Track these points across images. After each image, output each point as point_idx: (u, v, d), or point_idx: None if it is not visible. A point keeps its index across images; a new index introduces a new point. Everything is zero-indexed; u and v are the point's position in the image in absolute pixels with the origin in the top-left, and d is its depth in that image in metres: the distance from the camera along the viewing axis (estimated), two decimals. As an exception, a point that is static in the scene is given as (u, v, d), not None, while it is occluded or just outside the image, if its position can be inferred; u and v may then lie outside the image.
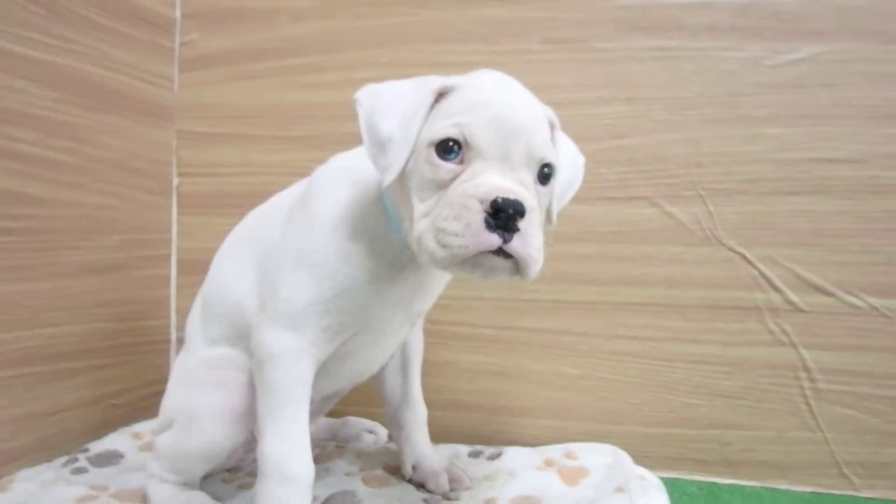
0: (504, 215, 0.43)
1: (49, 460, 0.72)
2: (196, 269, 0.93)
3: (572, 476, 0.68)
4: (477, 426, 0.85)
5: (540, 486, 0.66)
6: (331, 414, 0.85)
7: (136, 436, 0.80)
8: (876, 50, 0.73)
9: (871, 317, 0.73)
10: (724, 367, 0.77)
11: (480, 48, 0.85)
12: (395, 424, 0.70)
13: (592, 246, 0.81)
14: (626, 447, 0.74)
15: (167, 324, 0.97)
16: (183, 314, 0.95)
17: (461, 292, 0.85)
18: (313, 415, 0.78)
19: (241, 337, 0.59)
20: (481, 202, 0.44)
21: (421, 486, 0.68)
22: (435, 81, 0.49)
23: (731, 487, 0.75)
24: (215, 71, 0.95)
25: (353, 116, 0.83)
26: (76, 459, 0.72)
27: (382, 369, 0.69)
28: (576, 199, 0.79)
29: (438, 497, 0.65)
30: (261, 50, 0.93)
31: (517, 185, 0.46)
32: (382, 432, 0.84)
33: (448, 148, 0.46)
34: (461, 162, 0.46)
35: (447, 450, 0.77)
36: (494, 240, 0.43)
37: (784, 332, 0.75)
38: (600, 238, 0.81)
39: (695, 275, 0.78)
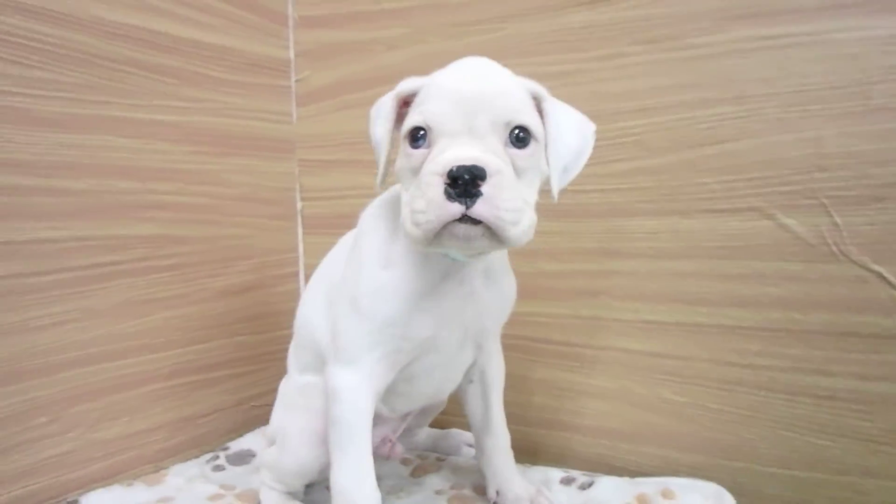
0: (462, 182, 0.46)
1: (197, 457, 0.89)
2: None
3: (661, 517, 0.66)
4: (577, 448, 0.86)
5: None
6: (437, 423, 0.92)
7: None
8: None
9: None
10: (859, 405, 0.69)
11: (569, 57, 0.84)
12: (478, 448, 0.75)
13: (697, 263, 0.77)
14: (738, 486, 0.71)
15: (301, 335, 1.12)
16: (314, 327, 1.09)
17: (558, 310, 0.86)
18: (412, 427, 0.86)
19: (322, 367, 0.67)
20: (440, 175, 0.47)
21: None
22: (401, 85, 0.56)
23: (870, 544, 0.67)
24: (325, 103, 1.07)
25: None
26: (217, 457, 0.88)
27: (464, 394, 0.74)
28: (676, 212, 0.77)
29: None
30: (361, 80, 1.02)
31: (482, 153, 0.48)
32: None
33: (416, 136, 0.51)
34: (429, 146, 0.51)
35: (539, 473, 0.79)
36: (455, 208, 0.46)
37: (938, 365, 0.65)
38: (705, 254, 0.77)
39: (818, 296, 0.70)
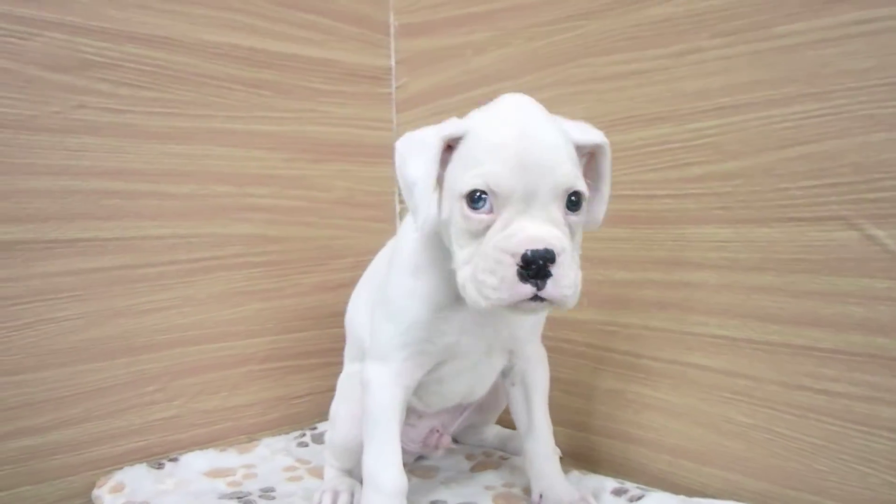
0: (535, 266, 0.50)
1: (287, 433, 1.02)
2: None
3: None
4: (638, 461, 0.86)
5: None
6: (509, 423, 0.96)
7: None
8: None
9: None
10: (952, 445, 0.62)
11: (645, 54, 0.84)
12: (523, 451, 0.79)
13: (772, 276, 0.74)
14: None
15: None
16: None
17: (627, 320, 0.87)
18: (476, 424, 0.94)
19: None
20: (513, 256, 0.51)
21: None
22: (447, 128, 0.57)
23: None
24: (421, 108, 1.15)
25: None
26: (304, 435, 1.01)
27: (508, 397, 0.79)
28: (752, 220, 0.75)
29: None
30: (453, 84, 1.08)
31: (547, 225, 0.52)
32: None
33: (476, 198, 0.54)
34: (491, 210, 0.54)
35: (594, 482, 0.81)
36: (528, 290, 0.51)
37: None
38: (782, 267, 0.73)
39: (907, 319, 0.64)
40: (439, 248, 0.64)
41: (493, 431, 0.98)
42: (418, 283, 0.64)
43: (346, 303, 1.13)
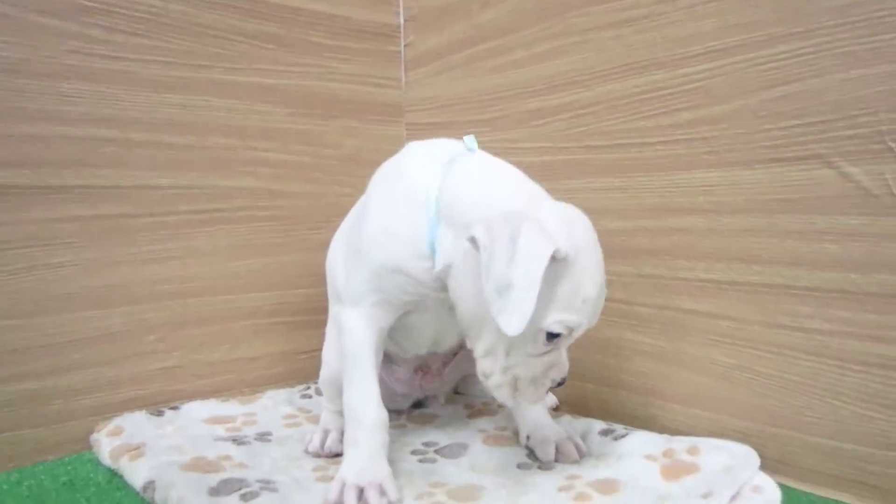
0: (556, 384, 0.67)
1: (292, 386, 1.08)
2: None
3: (675, 471, 0.70)
4: (629, 405, 0.90)
5: (633, 474, 0.70)
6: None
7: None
8: None
9: None
10: (920, 376, 0.65)
11: (640, 1, 0.86)
12: None
13: (755, 218, 0.77)
14: (784, 456, 0.72)
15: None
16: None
17: (621, 268, 0.90)
18: (446, 368, 0.96)
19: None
20: (553, 380, 0.67)
21: (533, 453, 0.79)
22: (548, 245, 0.57)
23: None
24: (430, 66, 1.19)
25: (533, 93, 0.96)
26: (309, 387, 1.07)
27: None
28: (737, 163, 0.79)
29: (535, 464, 0.76)
30: (459, 41, 1.12)
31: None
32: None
33: (553, 335, 0.63)
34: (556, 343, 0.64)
35: (583, 424, 0.86)
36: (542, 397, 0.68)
37: None
38: (765, 208, 0.76)
39: (881, 255, 0.67)
40: (411, 207, 0.68)
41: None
42: (388, 234, 0.69)
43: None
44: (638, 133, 0.88)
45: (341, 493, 0.65)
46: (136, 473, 0.73)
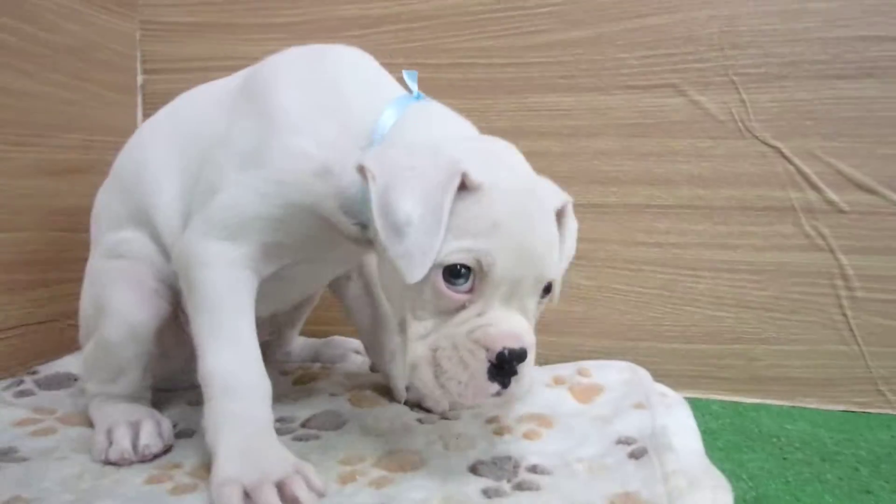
0: (508, 367, 0.48)
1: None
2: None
3: (585, 393, 0.72)
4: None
5: (549, 404, 0.70)
6: (313, 335, 0.89)
7: (92, 357, 0.84)
8: None
9: (920, 217, 0.76)
10: (753, 276, 0.81)
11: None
12: (374, 349, 0.75)
13: (612, 140, 0.84)
14: (644, 365, 0.79)
15: (132, 238, 1.00)
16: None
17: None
18: (284, 333, 0.84)
19: (147, 221, 0.64)
20: (488, 351, 0.48)
21: (417, 405, 0.71)
22: (456, 165, 0.48)
23: (757, 406, 0.80)
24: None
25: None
26: (21, 382, 0.75)
27: (344, 293, 0.74)
28: (594, 88, 0.82)
29: (436, 416, 0.69)
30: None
31: (522, 318, 0.50)
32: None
33: (458, 273, 0.48)
34: (471, 289, 0.49)
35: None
36: (494, 389, 0.49)
37: (821, 235, 0.78)
38: (620, 131, 0.83)
39: (724, 172, 0.80)
40: (347, 139, 0.55)
41: (298, 344, 0.90)
42: (314, 165, 0.55)
43: (70, 196, 0.89)
44: (485, 53, 0.87)
45: (238, 498, 0.47)
46: None
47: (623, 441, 0.58)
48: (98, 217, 0.70)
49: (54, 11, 0.84)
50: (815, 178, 0.78)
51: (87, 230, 0.91)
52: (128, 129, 0.97)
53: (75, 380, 0.76)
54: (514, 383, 0.49)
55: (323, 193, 0.55)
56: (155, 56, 0.99)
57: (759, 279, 0.81)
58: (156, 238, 0.64)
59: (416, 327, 0.51)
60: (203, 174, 0.60)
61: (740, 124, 0.80)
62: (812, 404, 0.80)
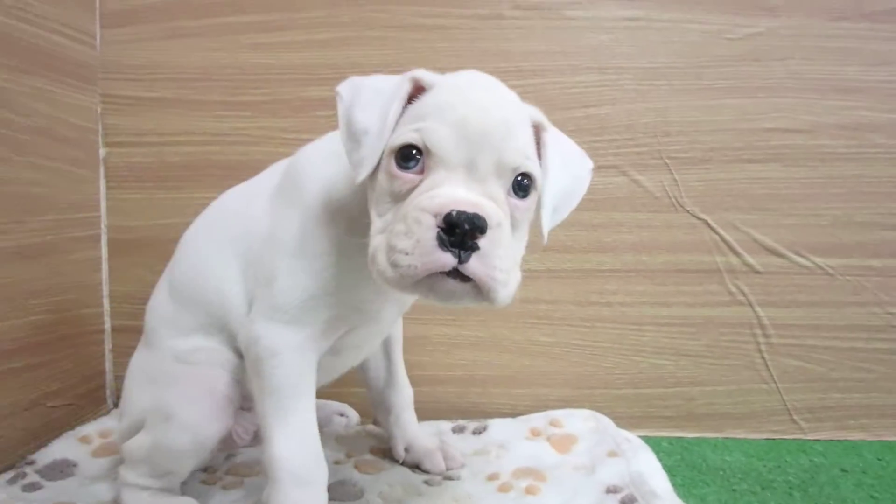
0: (460, 231, 0.44)
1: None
2: (130, 249, 1.00)
3: (562, 444, 0.83)
4: (454, 400, 0.99)
5: (535, 456, 0.80)
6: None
7: (85, 440, 0.85)
8: (825, 26, 0.91)
9: (817, 275, 0.93)
10: (688, 328, 0.95)
11: (451, 11, 0.96)
12: (382, 408, 0.81)
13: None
14: (600, 409, 0.91)
15: (101, 312, 1.02)
16: (117, 300, 1.02)
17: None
18: None
19: (220, 328, 0.65)
20: (434, 216, 0.45)
21: (415, 467, 0.79)
22: (419, 72, 0.52)
23: (699, 441, 0.94)
24: (145, 27, 1.00)
25: (317, 80, 0.93)
26: (24, 475, 0.76)
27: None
28: None
29: (439, 477, 0.76)
30: (201, 4, 0.98)
31: (482, 198, 0.47)
32: (353, 414, 0.95)
33: (408, 156, 0.49)
34: (421, 171, 0.49)
35: (430, 427, 0.90)
36: (447, 260, 0.44)
37: (742, 292, 0.94)
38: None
39: (661, 240, 0.95)
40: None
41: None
42: (355, 240, 0.56)
43: (46, 278, 0.90)
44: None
45: None
46: None
47: (611, 490, 0.69)
48: (160, 322, 0.69)
49: (26, 94, 0.86)
50: (735, 245, 0.94)
51: (59, 311, 0.93)
52: (92, 204, 1.00)
53: (75, 466, 0.78)
54: (477, 260, 0.44)
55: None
56: (117, 129, 1.02)
57: (693, 331, 0.96)
58: (230, 342, 0.64)
59: (378, 223, 0.50)
60: (258, 266, 0.62)
61: (673, 200, 0.95)
62: (740, 435, 0.96)
